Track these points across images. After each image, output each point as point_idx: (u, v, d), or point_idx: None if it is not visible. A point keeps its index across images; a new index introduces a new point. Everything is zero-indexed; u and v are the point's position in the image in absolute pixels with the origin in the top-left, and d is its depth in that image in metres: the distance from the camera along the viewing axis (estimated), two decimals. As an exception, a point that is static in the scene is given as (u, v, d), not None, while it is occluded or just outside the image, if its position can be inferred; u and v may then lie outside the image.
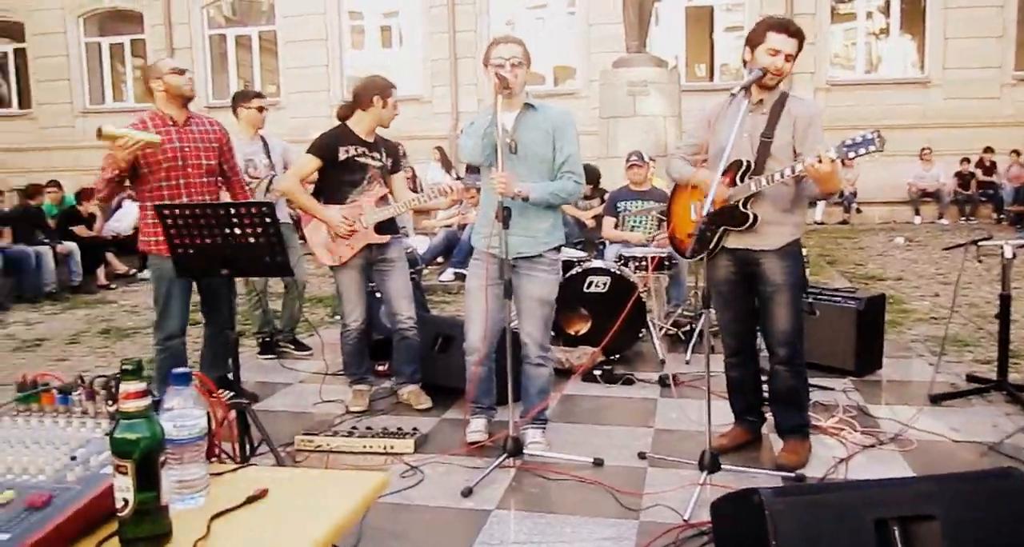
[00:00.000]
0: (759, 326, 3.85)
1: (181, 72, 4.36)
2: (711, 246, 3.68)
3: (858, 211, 15.63)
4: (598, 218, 7.60)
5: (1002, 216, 14.95)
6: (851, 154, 3.26)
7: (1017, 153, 15.32)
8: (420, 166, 16.20)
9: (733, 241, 3.67)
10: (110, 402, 1.70)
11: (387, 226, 4.71)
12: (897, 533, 2.27)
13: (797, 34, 3.52)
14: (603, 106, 10.87)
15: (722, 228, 3.65)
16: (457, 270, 8.72)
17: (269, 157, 5.98)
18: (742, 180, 3.57)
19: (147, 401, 1.41)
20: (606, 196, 7.58)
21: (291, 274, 3.72)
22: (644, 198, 6.88)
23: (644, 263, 6.14)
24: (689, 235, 3.68)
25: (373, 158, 4.65)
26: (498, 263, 3.76)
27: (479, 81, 16.70)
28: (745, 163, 3.57)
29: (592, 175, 8.68)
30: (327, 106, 16.39)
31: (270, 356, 6.18)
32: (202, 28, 18.77)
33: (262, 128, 6.06)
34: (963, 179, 15.51)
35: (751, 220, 3.58)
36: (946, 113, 16.05)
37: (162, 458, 1.41)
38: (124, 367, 1.41)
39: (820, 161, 3.26)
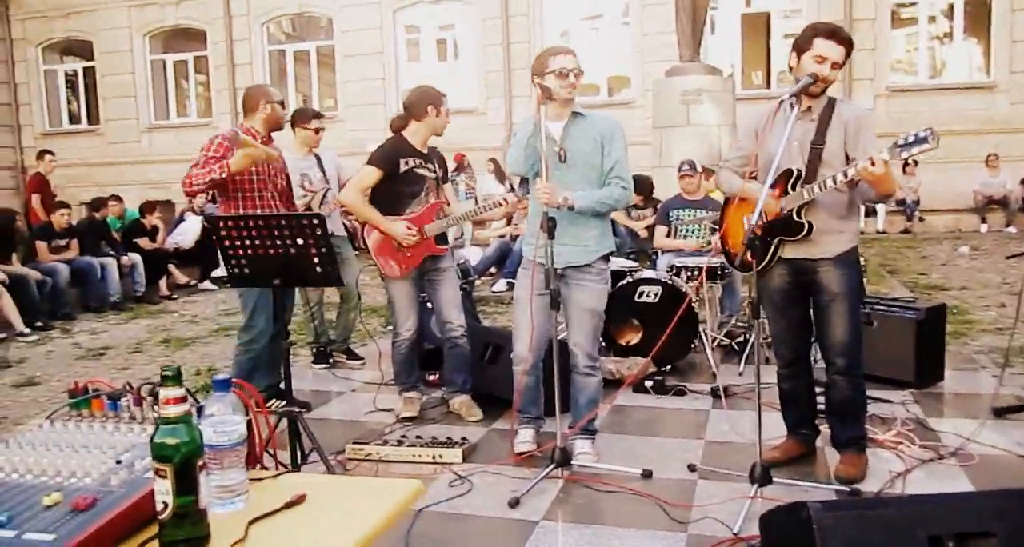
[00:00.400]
0: (816, 336, 3.79)
1: (284, 105, 4.77)
2: (768, 258, 3.65)
3: (921, 220, 15.22)
4: (650, 228, 7.59)
5: (1073, 223, 14.47)
6: (903, 153, 3.21)
7: (1089, 158, 14.81)
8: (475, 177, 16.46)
9: (789, 251, 3.64)
10: (156, 408, 1.73)
11: (442, 237, 4.76)
12: (952, 549, 2.20)
13: (845, 41, 3.48)
14: (656, 115, 10.79)
15: (777, 239, 3.62)
16: (510, 280, 8.70)
17: (323, 171, 6.08)
18: (794, 189, 3.53)
19: (186, 406, 1.44)
20: (659, 206, 7.55)
21: (341, 284, 3.78)
22: (697, 207, 6.87)
23: (696, 273, 6.09)
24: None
25: (429, 169, 4.70)
26: (545, 273, 3.77)
27: (532, 92, 16.70)
28: (796, 172, 3.54)
29: (645, 185, 8.75)
30: (383, 119, 16.56)
31: (324, 365, 6.26)
32: (262, 44, 19.18)
33: (316, 148, 6.12)
34: (1031, 186, 15.04)
35: (806, 229, 3.54)
36: (1013, 118, 15.57)
37: (201, 462, 1.43)
38: (164, 373, 1.44)
39: (873, 163, 3.21)
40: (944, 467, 3.84)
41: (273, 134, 4.83)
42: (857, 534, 2.24)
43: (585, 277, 3.91)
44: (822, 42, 3.46)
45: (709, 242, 6.55)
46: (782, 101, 3.44)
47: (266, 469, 1.87)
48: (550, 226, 3.59)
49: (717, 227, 6.23)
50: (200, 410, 1.63)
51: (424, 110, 4.61)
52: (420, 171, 4.63)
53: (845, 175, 3.34)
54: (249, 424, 1.77)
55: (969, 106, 15.65)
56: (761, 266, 3.64)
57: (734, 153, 3.87)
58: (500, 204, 4.63)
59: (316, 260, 3.48)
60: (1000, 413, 4.57)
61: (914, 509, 2.33)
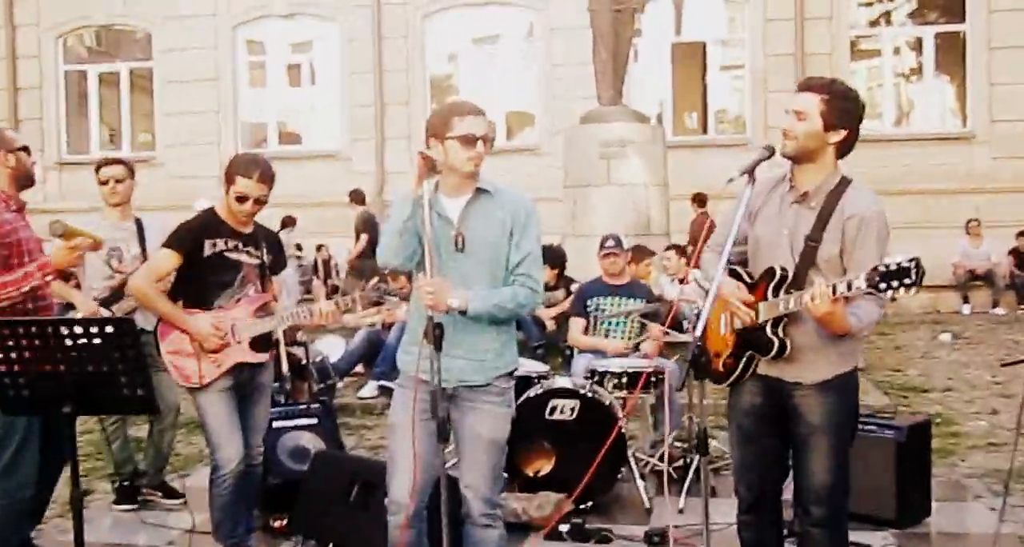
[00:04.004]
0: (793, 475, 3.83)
1: (29, 151, 4.59)
2: (738, 374, 3.72)
3: (892, 299, 15.75)
4: (563, 316, 7.59)
5: (1071, 303, 15.21)
6: (882, 285, 3.28)
7: (1086, 225, 15.63)
8: (336, 241, 16.26)
9: (763, 367, 3.71)
10: None
11: (263, 342, 4.74)
12: None
13: (812, 87, 3.63)
14: (570, 171, 11.02)
15: (748, 353, 3.69)
16: (383, 383, 8.63)
17: (143, 244, 5.88)
18: (775, 294, 3.59)
19: None
20: (573, 287, 7.62)
21: (156, 411, 3.63)
22: (623, 294, 6.88)
23: (625, 381, 6.12)
24: (716, 355, 3.78)
25: (249, 253, 4.72)
26: (430, 394, 3.70)
27: (411, 133, 16.93)
28: (779, 272, 3.61)
29: (556, 258, 8.84)
30: (217, 164, 16.33)
31: (130, 506, 5.95)
32: (56, 62, 18.77)
33: (123, 203, 5.93)
34: (1020, 257, 15.79)
35: (776, 349, 3.60)
36: (995, 175, 16.36)
37: None
38: None
39: (813, 299, 3.32)
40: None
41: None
42: None
43: (482, 399, 3.87)
44: (788, 97, 3.67)
45: (638, 346, 6.61)
46: (732, 179, 3.55)
47: None
48: (436, 334, 3.56)
49: (647, 321, 6.48)
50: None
51: (231, 178, 4.62)
52: (234, 256, 4.67)
53: (833, 290, 3.38)
54: None
55: (944, 160, 16.46)
56: (730, 381, 3.73)
57: (714, 241, 3.95)
58: (374, 304, 4.61)
59: (123, 379, 3.41)
60: (1003, 562, 4.64)
61: None
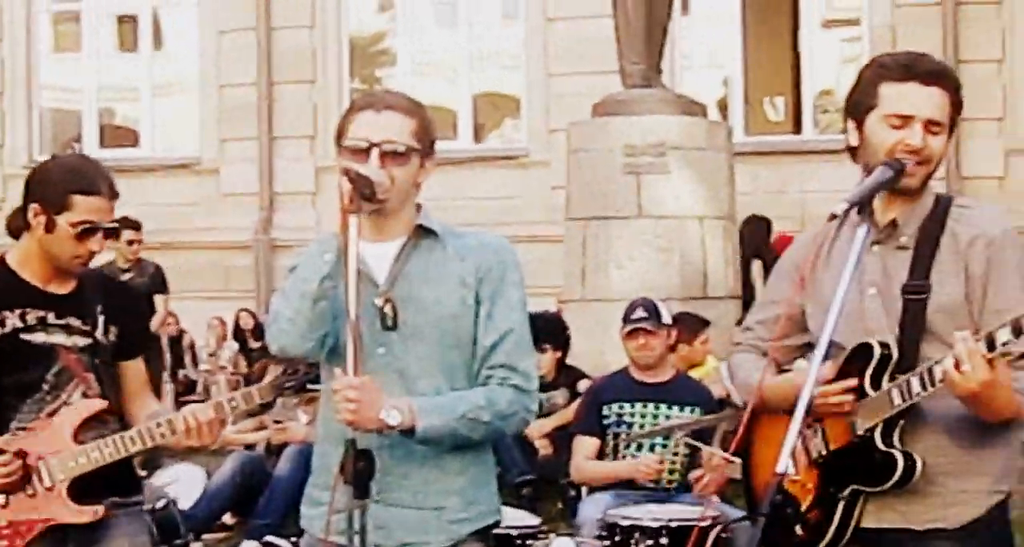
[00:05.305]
0: None
1: None
2: (835, 528, 3.13)
3: None
4: (562, 433, 6.69)
5: None
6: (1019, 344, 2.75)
7: None
8: (186, 305, 13.16)
9: (873, 515, 3.09)
10: None
11: (97, 484, 3.77)
12: None
13: (940, 78, 3.05)
14: (576, 193, 9.01)
15: (850, 489, 3.10)
16: (270, 541, 6.95)
17: None
18: (876, 386, 3.03)
19: None
20: (581, 385, 6.91)
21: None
22: (662, 398, 5.79)
23: (662, 539, 5.02)
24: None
25: (69, 329, 3.85)
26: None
27: (318, 131, 13.75)
28: (879, 350, 3.04)
29: (552, 335, 7.66)
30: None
31: None
32: None
33: None
34: None
35: (900, 469, 3.01)
36: None
37: None
38: None
39: (960, 364, 2.74)
40: None
41: None
42: None
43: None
44: (895, 88, 3.04)
45: (685, 474, 5.63)
46: (836, 215, 2.94)
47: None
48: (359, 469, 2.96)
49: (699, 445, 5.67)
50: None
51: (58, 199, 3.72)
52: (40, 338, 3.81)
53: (931, 375, 2.89)
54: None
55: None
56: (825, 543, 3.16)
57: (759, 315, 3.52)
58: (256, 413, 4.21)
59: None
60: None
61: None
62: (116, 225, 3.86)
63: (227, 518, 7.77)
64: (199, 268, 12.28)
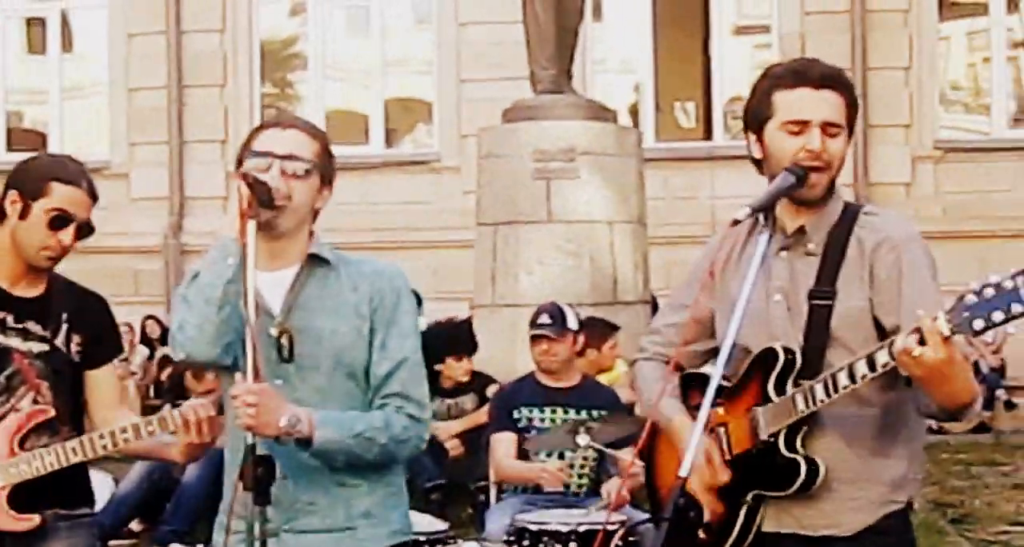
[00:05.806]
0: None
1: None
2: (738, 533, 3.15)
3: (1009, 405, 13.55)
4: (472, 435, 6.67)
5: None
6: (978, 323, 2.63)
7: None
8: (126, 311, 12.93)
9: (773, 519, 3.12)
10: None
11: (42, 493, 3.73)
12: None
13: (832, 81, 3.10)
14: (486, 198, 9.02)
15: (753, 493, 3.11)
16: None
17: None
18: (780, 391, 3.05)
19: None
20: (490, 390, 6.83)
21: None
22: (568, 403, 5.75)
23: (571, 542, 5.02)
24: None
25: (28, 333, 3.79)
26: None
27: (230, 135, 13.59)
28: (783, 355, 3.07)
29: (461, 342, 7.73)
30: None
31: None
32: None
33: None
34: None
35: (803, 475, 3.03)
36: None
37: None
38: None
39: (921, 340, 2.65)
40: None
41: None
42: None
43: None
44: (794, 95, 3.08)
45: (594, 479, 5.63)
46: (738, 221, 3.00)
47: None
48: (258, 476, 2.89)
49: (606, 451, 5.64)
50: None
51: (35, 187, 3.68)
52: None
53: (871, 365, 2.83)
54: None
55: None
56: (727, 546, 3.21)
57: (667, 319, 3.50)
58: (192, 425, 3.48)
59: None
60: None
61: None
62: (91, 223, 3.74)
63: (134, 524, 7.77)
64: (108, 273, 11.95)
